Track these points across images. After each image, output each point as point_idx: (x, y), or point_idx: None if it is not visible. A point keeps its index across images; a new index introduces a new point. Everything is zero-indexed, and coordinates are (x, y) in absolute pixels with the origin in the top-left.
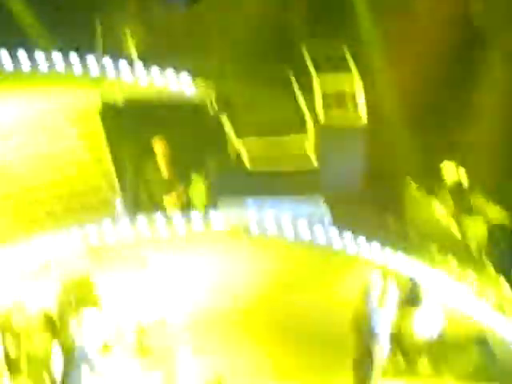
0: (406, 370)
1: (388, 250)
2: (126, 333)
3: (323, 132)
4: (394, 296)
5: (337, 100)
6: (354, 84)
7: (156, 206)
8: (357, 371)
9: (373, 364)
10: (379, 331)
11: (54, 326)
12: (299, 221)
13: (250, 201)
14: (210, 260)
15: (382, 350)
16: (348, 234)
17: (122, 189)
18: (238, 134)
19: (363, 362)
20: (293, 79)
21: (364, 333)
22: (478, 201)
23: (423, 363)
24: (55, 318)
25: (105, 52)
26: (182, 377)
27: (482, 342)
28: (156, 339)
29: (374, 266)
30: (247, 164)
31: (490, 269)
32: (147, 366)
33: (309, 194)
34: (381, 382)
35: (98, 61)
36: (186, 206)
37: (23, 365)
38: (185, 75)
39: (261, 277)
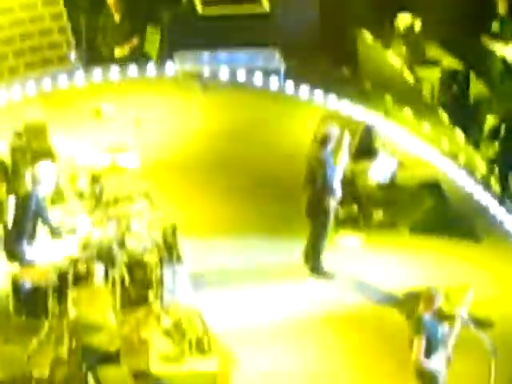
0: (361, 222)
1: (344, 101)
2: (80, 180)
3: None
4: (348, 147)
5: None
6: None
7: (111, 57)
8: (313, 226)
9: (327, 219)
10: (334, 185)
11: (7, 172)
12: (254, 73)
13: (204, 55)
14: (162, 109)
15: (336, 203)
16: (304, 86)
17: (78, 44)
18: None
19: (317, 215)
20: None
21: (318, 185)
22: (434, 51)
23: (378, 214)
24: (7, 163)
25: None
26: (136, 226)
27: (435, 187)
28: (110, 187)
29: (329, 117)
30: (199, 8)
31: (444, 116)
32: (100, 217)
33: (263, 43)
34: (336, 236)
35: None
36: (141, 58)
37: None
38: None
39: (212, 125)
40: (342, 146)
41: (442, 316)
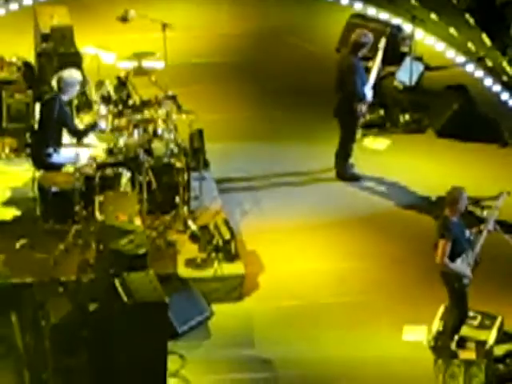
0: (388, 126)
1: (371, 5)
2: (106, 85)
3: None
4: (380, 53)
5: None
6: None
7: None
8: (341, 129)
9: (355, 122)
10: (364, 90)
11: (33, 76)
12: None
13: None
14: (190, 14)
15: (365, 108)
16: None
17: None
18: None
19: (345, 118)
20: None
21: (347, 91)
22: None
23: (405, 118)
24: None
25: None
26: (162, 130)
27: (461, 90)
28: (136, 92)
29: (356, 22)
30: None
31: (471, 20)
32: (126, 121)
33: None
34: (364, 140)
35: None
36: None
37: None
38: None
39: (240, 30)
40: (377, 53)
41: (472, 220)
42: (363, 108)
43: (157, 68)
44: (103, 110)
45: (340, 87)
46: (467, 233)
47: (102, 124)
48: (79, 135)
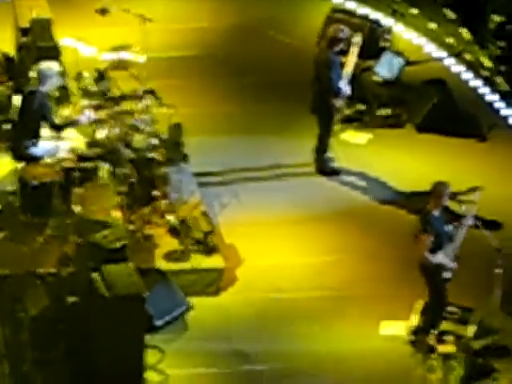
0: (368, 120)
1: None
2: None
3: None
4: (355, 48)
5: None
6: None
7: None
8: (318, 124)
9: (331, 117)
10: (340, 85)
11: (13, 69)
12: None
13: None
14: (170, 7)
15: (342, 102)
16: None
17: None
18: None
19: (321, 113)
20: None
21: (323, 85)
22: None
23: (385, 112)
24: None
25: None
26: (142, 123)
27: (441, 84)
28: (116, 85)
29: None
30: None
31: (450, 14)
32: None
33: None
34: (343, 135)
35: None
36: None
37: None
38: None
39: (221, 23)
40: (352, 48)
41: (450, 214)
42: (339, 103)
43: (137, 61)
44: (83, 103)
45: (316, 82)
46: (447, 227)
47: (83, 119)
48: (58, 129)
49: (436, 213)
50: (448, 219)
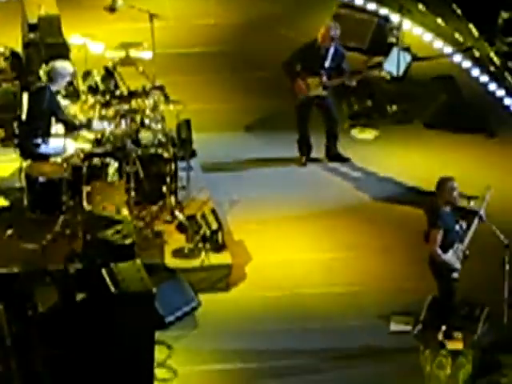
0: (375, 116)
1: None
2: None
3: None
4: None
5: None
6: None
7: None
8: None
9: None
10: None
11: (21, 66)
12: None
13: None
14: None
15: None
16: None
17: None
18: None
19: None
20: None
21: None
22: None
23: (392, 108)
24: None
25: None
26: (150, 120)
27: (449, 81)
28: (123, 82)
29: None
30: None
31: (458, 10)
32: (114, 111)
33: None
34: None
35: None
36: None
37: None
38: None
39: (227, 19)
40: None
41: (460, 212)
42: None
43: (144, 58)
44: (91, 100)
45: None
46: (458, 225)
47: (98, 127)
48: (69, 127)
49: (447, 209)
50: (458, 217)
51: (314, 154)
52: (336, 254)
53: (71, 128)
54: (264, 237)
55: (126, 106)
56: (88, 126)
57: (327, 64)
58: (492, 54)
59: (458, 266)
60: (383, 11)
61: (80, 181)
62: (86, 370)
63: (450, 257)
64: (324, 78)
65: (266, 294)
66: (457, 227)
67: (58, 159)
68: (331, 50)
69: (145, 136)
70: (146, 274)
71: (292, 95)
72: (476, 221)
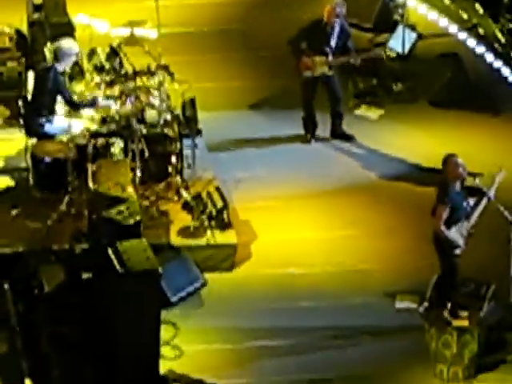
0: (380, 95)
1: None
2: (99, 55)
3: None
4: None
5: None
6: None
7: None
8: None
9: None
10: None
11: (26, 46)
12: None
13: None
14: None
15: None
16: None
17: None
18: None
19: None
20: None
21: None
22: None
23: (397, 86)
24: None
25: None
26: (155, 99)
27: (454, 59)
28: (129, 60)
29: None
30: None
31: None
32: (119, 90)
33: None
34: (356, 109)
35: None
36: None
37: None
38: None
39: None
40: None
41: (469, 191)
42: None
43: (149, 37)
44: (96, 79)
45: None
46: (466, 203)
47: (101, 101)
48: (75, 106)
49: (456, 187)
50: (467, 194)
51: (319, 132)
52: (341, 232)
53: (76, 107)
54: (269, 215)
55: (131, 85)
56: (93, 103)
57: (333, 42)
58: (497, 32)
59: (460, 242)
60: None
61: (85, 160)
62: (92, 349)
63: (453, 234)
64: (329, 57)
65: (272, 273)
66: (464, 205)
67: (64, 138)
68: (337, 28)
69: (150, 115)
70: (152, 253)
71: (297, 73)
72: (484, 201)
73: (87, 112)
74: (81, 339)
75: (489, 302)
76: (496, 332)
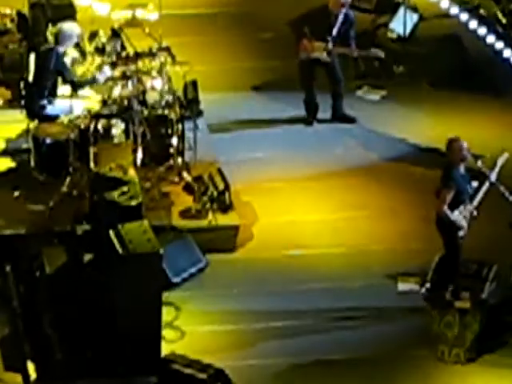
0: (382, 76)
1: None
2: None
3: None
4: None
5: None
6: None
7: None
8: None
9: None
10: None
11: (27, 28)
12: None
13: None
14: None
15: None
16: None
17: None
18: None
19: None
20: None
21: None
22: None
23: (399, 68)
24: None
25: None
26: (157, 81)
27: (455, 40)
28: (130, 42)
29: None
30: None
31: None
32: (120, 72)
33: None
34: (357, 91)
35: None
36: None
37: None
38: None
39: None
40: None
41: (472, 173)
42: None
43: (150, 19)
44: (98, 61)
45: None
46: (470, 186)
47: (101, 78)
48: (76, 86)
49: (461, 170)
50: (470, 177)
51: (320, 114)
52: (343, 214)
53: (78, 89)
54: (271, 197)
55: (132, 67)
56: (93, 81)
57: (335, 30)
58: (498, 13)
59: (463, 224)
60: None
61: (87, 142)
62: (94, 331)
63: (456, 216)
64: (329, 45)
65: (273, 255)
66: (468, 187)
67: (65, 120)
68: (341, 16)
69: (152, 97)
70: (154, 235)
71: (296, 54)
72: (487, 184)
73: (88, 94)
74: (82, 321)
75: (491, 284)
76: (498, 314)
